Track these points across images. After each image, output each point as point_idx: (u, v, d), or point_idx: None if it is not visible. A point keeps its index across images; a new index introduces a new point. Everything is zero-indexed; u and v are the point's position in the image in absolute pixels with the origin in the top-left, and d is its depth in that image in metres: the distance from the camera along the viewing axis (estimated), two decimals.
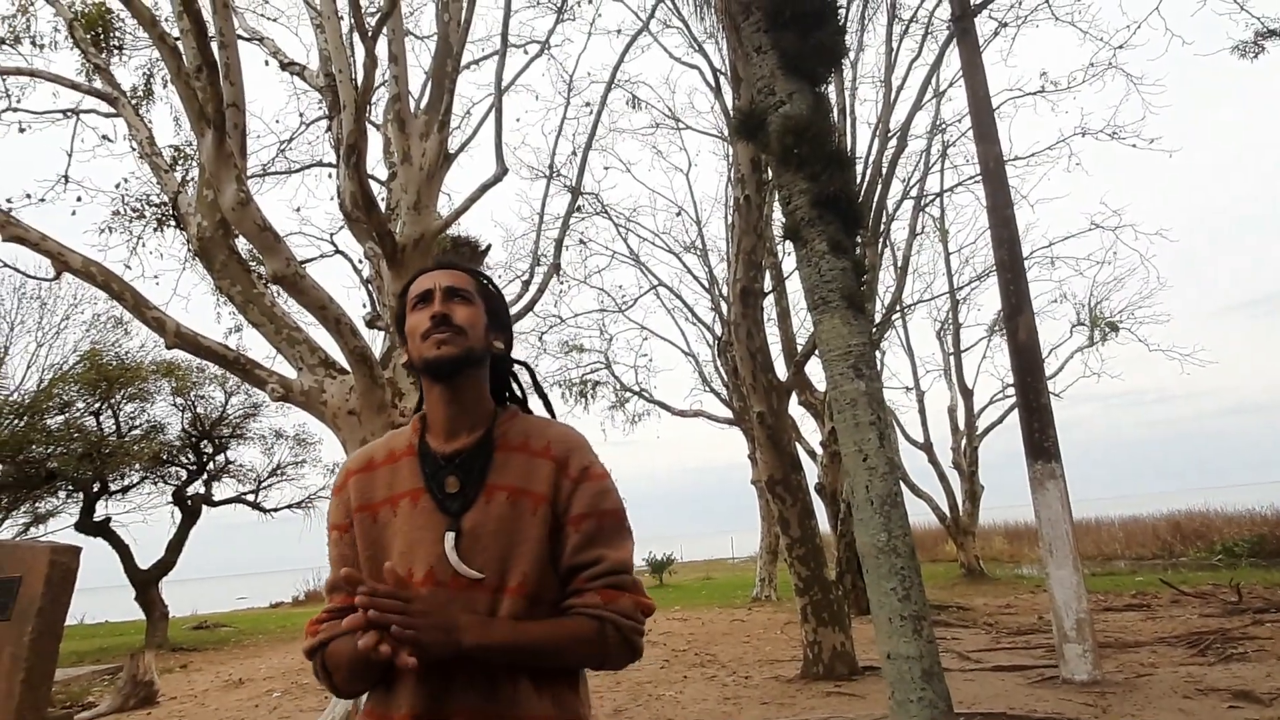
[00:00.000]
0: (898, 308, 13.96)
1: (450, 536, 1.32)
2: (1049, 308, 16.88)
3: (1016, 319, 6.98)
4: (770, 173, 7.29)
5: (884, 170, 9.67)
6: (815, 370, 14.46)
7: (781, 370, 9.79)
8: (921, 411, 17.67)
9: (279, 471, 17.10)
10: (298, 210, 27.44)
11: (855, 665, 7.63)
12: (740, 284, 8.07)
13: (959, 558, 17.04)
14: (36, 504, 15.80)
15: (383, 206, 6.91)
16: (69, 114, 7.93)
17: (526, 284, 8.21)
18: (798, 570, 7.94)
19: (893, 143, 10.02)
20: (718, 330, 15.46)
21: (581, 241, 14.24)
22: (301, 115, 9.70)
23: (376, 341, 7.36)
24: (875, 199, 9.65)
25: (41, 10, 7.95)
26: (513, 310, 8.46)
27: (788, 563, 8.11)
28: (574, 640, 1.31)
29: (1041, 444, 6.70)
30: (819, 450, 13.47)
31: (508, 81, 7.11)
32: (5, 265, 6.19)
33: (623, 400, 15.99)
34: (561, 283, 12.92)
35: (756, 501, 17.11)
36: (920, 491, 16.53)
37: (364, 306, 8.57)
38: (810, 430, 14.79)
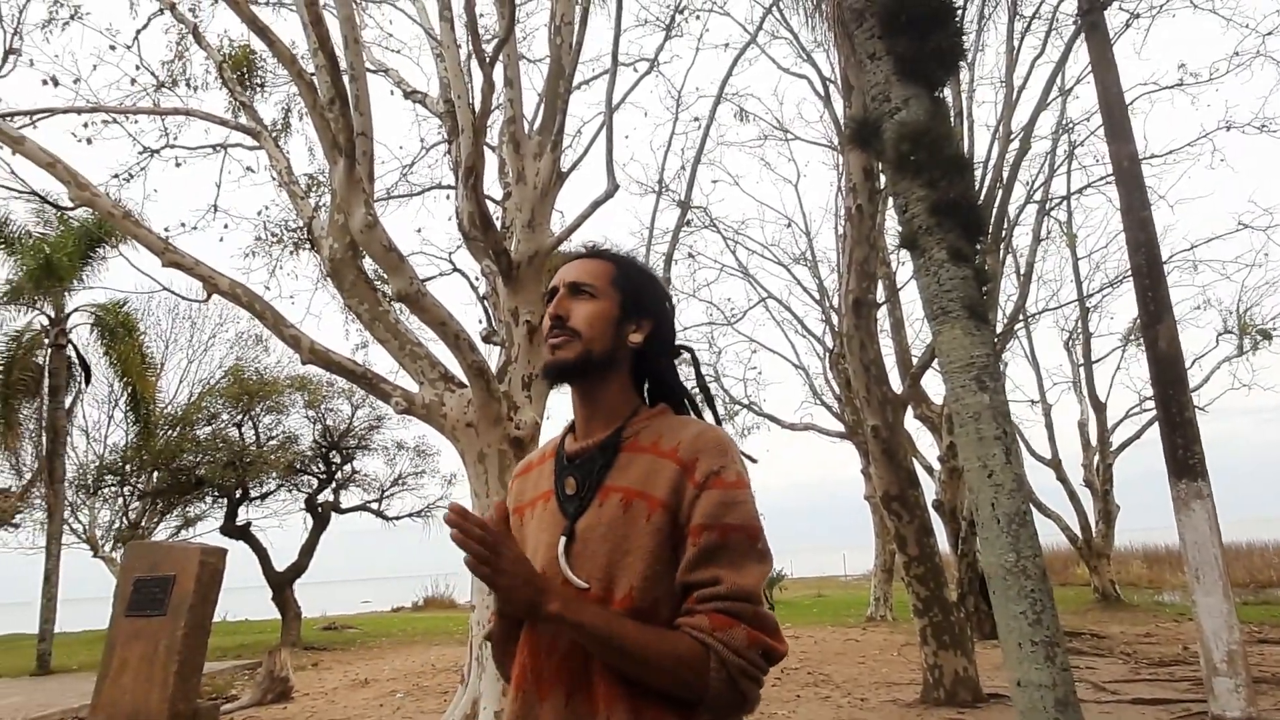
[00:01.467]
0: (1021, 317, 13.32)
1: (562, 541, 1.27)
2: (1191, 315, 15.70)
3: (1156, 327, 6.53)
4: (884, 181, 7.12)
5: (1005, 174, 9.27)
6: (932, 382, 13.97)
7: (896, 383, 9.50)
8: (1049, 426, 16.77)
9: (400, 481, 17.86)
10: (419, 231, 28.65)
11: (979, 692, 7.29)
12: (853, 295, 7.91)
13: (1092, 581, 16.02)
14: (187, 508, 17.09)
15: (498, 225, 7.16)
16: (218, 148, 8.61)
17: None
18: (916, 590, 7.67)
19: (1014, 145, 9.60)
20: (829, 342, 15.18)
21: (690, 255, 14.30)
22: (422, 140, 10.18)
23: (492, 356, 7.60)
24: (996, 205, 9.27)
25: (194, 54, 8.66)
26: None
27: (905, 582, 7.84)
28: (671, 657, 1.16)
29: (1186, 461, 6.23)
30: (936, 466, 12.98)
31: (618, 100, 7.25)
32: (165, 289, 6.76)
33: (732, 414, 15.89)
34: (671, 297, 13.06)
35: (870, 518, 16.63)
36: (1048, 511, 15.66)
37: (480, 322, 8.89)
38: (926, 445, 14.28)
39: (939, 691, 7.27)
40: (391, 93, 8.75)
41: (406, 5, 8.85)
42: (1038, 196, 12.75)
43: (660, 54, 8.76)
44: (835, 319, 14.04)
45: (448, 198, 10.75)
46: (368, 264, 6.50)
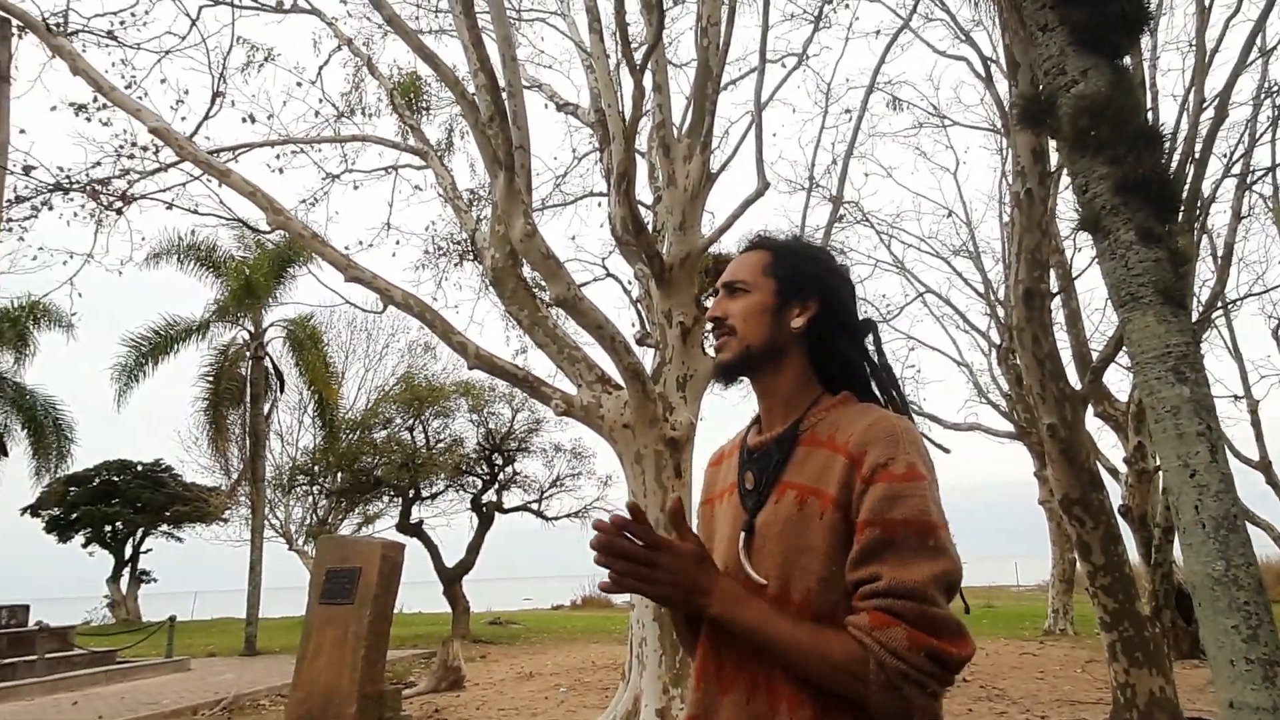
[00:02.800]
0: (1220, 304, 12.05)
1: (742, 536, 1.24)
2: None
3: None
4: (1055, 162, 6.66)
5: (1198, 147, 8.42)
6: (1114, 378, 12.90)
7: (1073, 378, 8.84)
8: (1255, 424, 15.07)
9: (558, 483, 18.44)
10: (573, 238, 29.58)
11: (1179, 714, 6.64)
12: (1023, 285, 7.41)
13: None
14: (366, 506, 18.39)
15: (650, 229, 7.26)
16: (389, 170, 9.26)
17: None
18: (1103, 602, 7.08)
19: (1208, 114, 8.71)
20: (995, 337, 14.34)
21: (842, 251, 13.91)
22: (574, 151, 10.50)
23: (646, 358, 7.71)
24: (1188, 181, 8.44)
25: (368, 84, 9.34)
26: None
27: (1090, 593, 7.26)
28: (824, 658, 1.11)
29: None
30: (1122, 468, 11.95)
31: (766, 97, 7.18)
32: (347, 302, 7.34)
33: None
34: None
35: (1045, 524, 15.56)
36: (1257, 519, 14.07)
37: (633, 326, 9.04)
38: (1109, 446, 13.19)
39: (1131, 713, 6.68)
40: (546, 106, 9.08)
41: (558, 21, 9.17)
42: (1236, 170, 11.47)
43: (809, 47, 8.60)
44: (1002, 312, 13.24)
45: (600, 205, 11.03)
46: (527, 271, 6.76)
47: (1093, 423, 11.78)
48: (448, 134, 9.81)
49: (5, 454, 21.00)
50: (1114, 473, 12.19)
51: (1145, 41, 9.07)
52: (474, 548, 17.40)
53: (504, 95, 5.68)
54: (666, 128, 6.99)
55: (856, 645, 1.09)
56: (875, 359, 1.35)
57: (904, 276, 15.18)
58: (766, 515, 1.23)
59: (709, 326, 1.36)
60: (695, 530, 1.35)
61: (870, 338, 1.37)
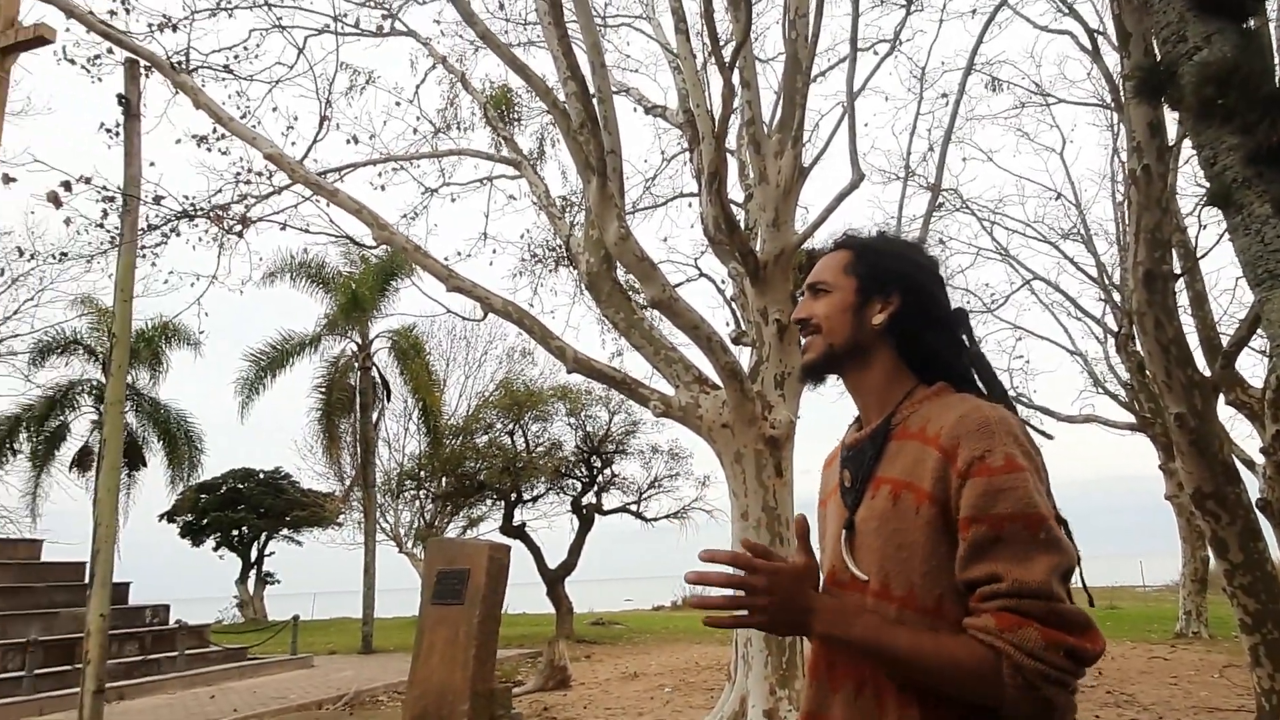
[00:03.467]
0: None
1: (843, 534, 1.25)
2: None
3: None
4: (1176, 134, 6.27)
5: None
6: (1247, 364, 12.04)
7: (1200, 365, 8.29)
8: None
9: (656, 484, 18.51)
10: (664, 240, 29.67)
11: None
12: (1143, 267, 6.99)
13: None
14: (471, 510, 18.92)
15: (742, 227, 7.21)
16: (484, 181, 9.52)
17: None
18: (1242, 603, 6.61)
19: None
20: (1112, 324, 13.60)
21: (941, 241, 13.48)
22: (663, 153, 10.55)
23: (742, 357, 7.66)
24: None
25: (462, 99, 9.63)
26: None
27: (1227, 593, 6.79)
28: (953, 664, 1.08)
29: None
30: (1258, 459, 11.11)
31: (858, 87, 7.02)
32: (448, 311, 7.57)
33: None
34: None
35: (1173, 520, 14.63)
36: None
37: (728, 325, 9.00)
38: (1243, 435, 12.31)
39: None
40: (634, 110, 9.15)
41: (643, 25, 9.22)
42: None
43: (901, 32, 8.37)
44: (1119, 296, 12.54)
45: (690, 205, 11.03)
46: (621, 274, 6.82)
47: (1224, 411, 11.02)
48: (539, 143, 10.03)
49: (144, 464, 22.61)
50: (1250, 464, 11.37)
51: (1272, 3, 8.42)
52: (575, 549, 17.66)
53: (594, 101, 5.75)
54: (756, 124, 6.93)
55: (984, 649, 1.06)
56: (968, 349, 1.33)
57: (1008, 264, 14.58)
58: (864, 511, 1.24)
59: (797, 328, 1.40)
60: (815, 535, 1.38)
61: (962, 328, 1.35)
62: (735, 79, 6.14)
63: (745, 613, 1.18)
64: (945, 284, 1.39)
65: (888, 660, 1.13)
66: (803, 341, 1.37)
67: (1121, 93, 7.66)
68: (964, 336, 1.34)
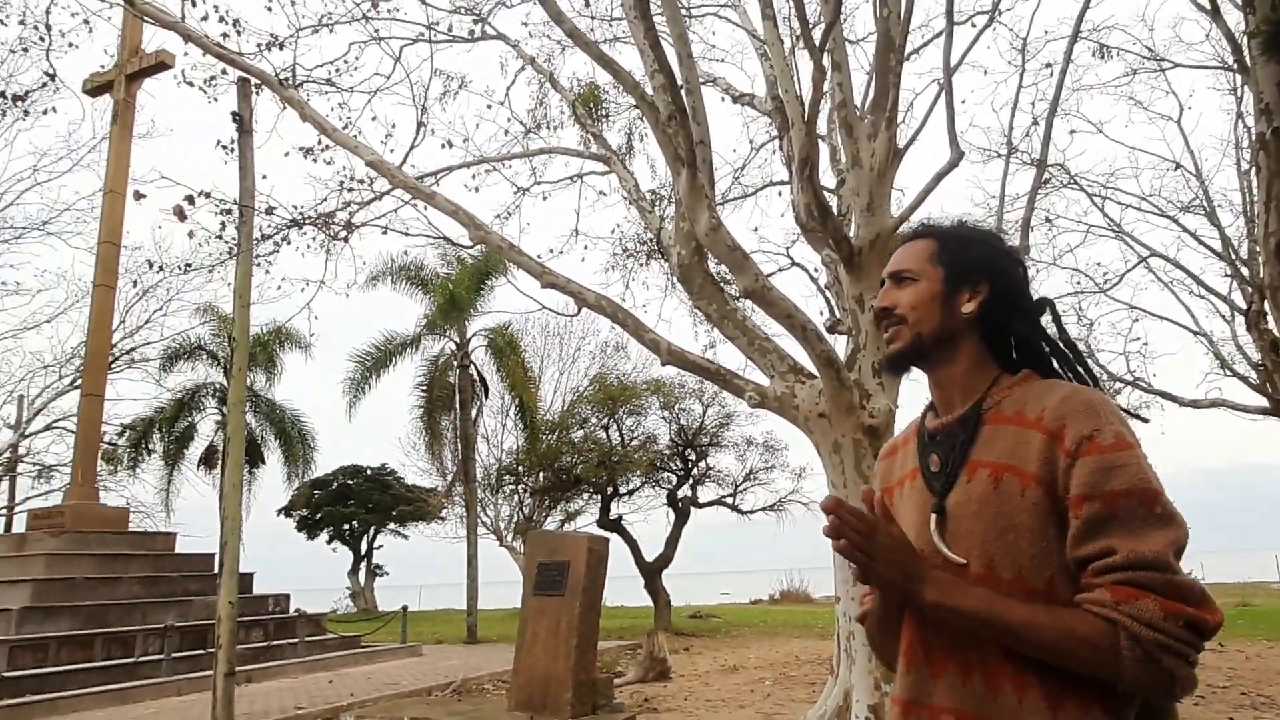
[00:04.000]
0: None
1: (934, 518, 1.24)
2: None
3: None
4: None
5: None
6: None
7: None
8: None
9: (752, 476, 18.39)
10: (755, 230, 29.33)
11: None
12: (1275, 239, 6.50)
13: None
14: (568, 504, 19.24)
15: (835, 213, 7.07)
16: (574, 179, 9.63)
17: None
18: None
19: None
20: (1238, 301, 12.69)
21: (1048, 219, 12.85)
22: (751, 142, 10.40)
23: (839, 345, 7.52)
24: None
25: (551, 98, 9.77)
26: None
27: None
28: (1069, 637, 1.07)
29: None
30: None
31: (955, 61, 6.76)
32: (543, 308, 7.70)
33: (1113, 392, 13.94)
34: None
35: None
36: None
37: (822, 313, 8.83)
38: None
39: None
40: (722, 100, 9.07)
41: (728, 13, 9.14)
42: None
43: (1000, 2, 8.01)
44: (1248, 271, 11.70)
45: (780, 194, 10.88)
46: (713, 265, 6.78)
47: None
48: (627, 138, 10.07)
49: (263, 462, 23.93)
50: None
51: None
52: (671, 542, 17.73)
53: (682, 93, 5.73)
54: (848, 107, 6.77)
55: (1101, 622, 1.06)
56: (1056, 336, 1.34)
57: (1122, 240, 13.76)
58: (959, 495, 1.22)
59: (881, 318, 1.38)
60: None
61: (1048, 315, 1.36)
62: (825, 61, 6.01)
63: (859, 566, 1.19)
64: (1028, 273, 1.39)
65: (1000, 632, 1.11)
66: (885, 331, 1.36)
67: (1245, 52, 7.11)
68: (1054, 324, 1.35)
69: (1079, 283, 13.82)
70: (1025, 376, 1.28)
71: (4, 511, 18.78)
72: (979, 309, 1.30)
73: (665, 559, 17.65)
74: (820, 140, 7.80)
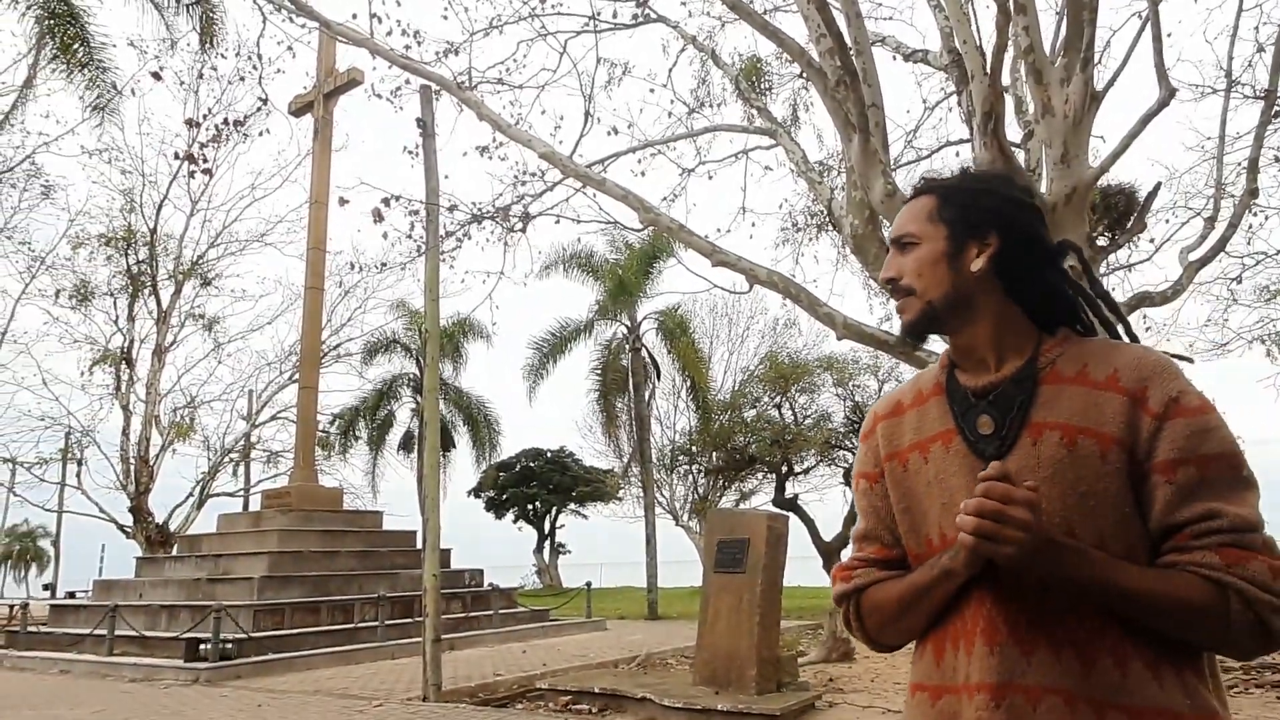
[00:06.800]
0: None
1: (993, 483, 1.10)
2: None
3: None
4: None
5: None
6: None
7: None
8: None
9: None
10: None
11: None
12: None
13: None
14: (742, 483, 19.24)
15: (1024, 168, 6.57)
16: (739, 156, 9.53)
17: (1210, 221, 6.86)
18: None
19: None
20: None
21: (1277, 159, 11.32)
22: (924, 101, 9.85)
23: None
24: None
25: (712, 76, 9.72)
26: (1195, 255, 7.17)
27: None
28: (1179, 602, 1.04)
29: None
30: None
31: None
32: (714, 286, 7.68)
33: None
34: (1256, 213, 10.38)
35: None
36: None
37: None
38: None
39: None
40: (894, 58, 8.65)
41: None
42: None
43: None
44: None
45: (957, 154, 10.25)
46: (888, 234, 6.51)
47: None
48: (792, 110, 9.85)
49: (454, 446, 25.64)
50: None
51: None
52: (849, 521, 17.30)
53: (851, 55, 5.51)
54: (1036, 51, 6.23)
55: (1209, 584, 1.03)
56: (1091, 287, 1.25)
57: None
58: (1023, 459, 1.13)
59: (887, 289, 1.29)
60: (878, 493, 1.30)
61: (1075, 262, 1.25)
62: (1009, 3, 5.58)
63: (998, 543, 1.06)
64: (1045, 216, 1.29)
65: (1115, 598, 1.06)
66: (895, 303, 1.27)
67: None
68: (1084, 272, 1.26)
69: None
70: (1064, 337, 1.20)
71: (242, 491, 21.26)
72: (989, 264, 1.20)
73: (843, 539, 17.26)
74: (1004, 92, 7.26)
